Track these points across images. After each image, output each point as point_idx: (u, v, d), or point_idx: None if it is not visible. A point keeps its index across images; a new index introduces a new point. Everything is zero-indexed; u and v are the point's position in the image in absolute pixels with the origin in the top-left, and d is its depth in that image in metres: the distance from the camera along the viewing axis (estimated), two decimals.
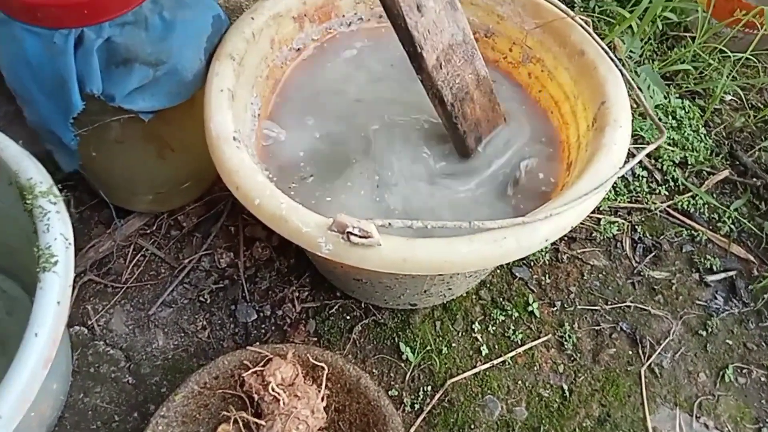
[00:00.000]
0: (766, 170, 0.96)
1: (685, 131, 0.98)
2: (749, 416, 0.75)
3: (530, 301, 0.80)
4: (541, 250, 0.85)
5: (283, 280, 0.80)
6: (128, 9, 0.55)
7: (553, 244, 0.85)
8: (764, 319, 0.82)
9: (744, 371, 0.78)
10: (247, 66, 0.65)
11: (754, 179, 0.95)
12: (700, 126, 0.99)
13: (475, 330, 0.78)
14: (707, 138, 0.98)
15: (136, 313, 0.77)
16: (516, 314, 0.80)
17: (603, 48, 0.66)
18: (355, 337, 0.77)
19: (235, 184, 0.55)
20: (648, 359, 0.78)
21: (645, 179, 0.94)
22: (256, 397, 0.64)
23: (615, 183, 0.88)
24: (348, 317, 0.78)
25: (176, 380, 0.72)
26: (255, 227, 0.83)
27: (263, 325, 0.77)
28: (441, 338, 0.77)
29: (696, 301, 0.83)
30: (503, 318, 0.79)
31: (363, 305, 0.79)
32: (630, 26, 0.99)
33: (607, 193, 0.77)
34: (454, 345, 0.77)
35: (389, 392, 0.73)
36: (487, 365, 0.75)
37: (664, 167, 0.95)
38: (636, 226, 0.89)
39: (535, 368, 0.76)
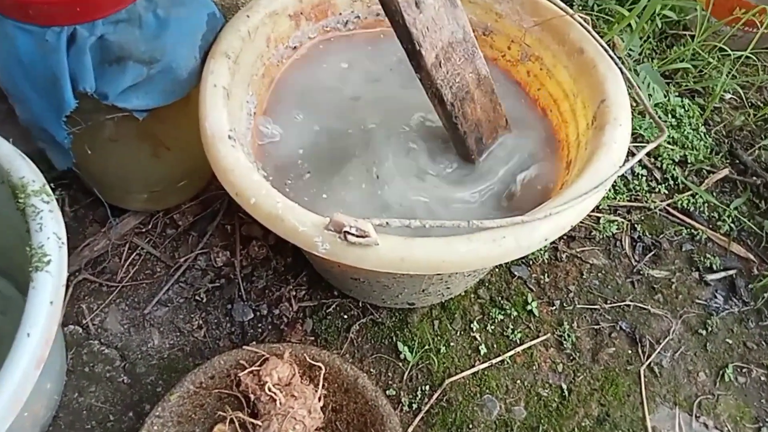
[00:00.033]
0: (766, 169, 0.95)
1: (684, 130, 0.97)
2: (749, 416, 0.75)
3: (529, 300, 0.80)
4: (540, 249, 0.84)
5: (279, 279, 0.80)
6: (122, 6, 0.54)
7: (552, 242, 0.84)
8: (764, 318, 0.82)
9: (744, 370, 0.78)
10: (243, 64, 0.64)
11: (754, 178, 0.94)
12: (700, 124, 0.99)
13: (474, 329, 0.77)
14: (707, 136, 0.98)
15: (131, 312, 0.76)
16: (515, 313, 0.79)
17: (602, 46, 0.65)
18: (352, 336, 0.76)
19: (230, 183, 0.54)
20: (647, 358, 0.77)
21: (644, 178, 0.93)
22: (252, 397, 0.64)
23: (614, 181, 0.87)
24: (345, 316, 0.78)
25: (172, 380, 0.71)
26: (251, 226, 0.83)
27: (260, 325, 0.76)
28: (439, 337, 0.77)
29: (696, 300, 0.83)
30: (502, 317, 0.79)
31: (360, 304, 0.78)
32: (629, 24, 0.98)
33: (606, 192, 0.76)
34: (452, 344, 0.76)
35: (387, 392, 0.72)
36: (486, 364, 0.75)
37: (664, 166, 0.94)
38: (635, 225, 0.89)
39: (534, 368, 0.76)
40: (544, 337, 0.78)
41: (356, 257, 0.50)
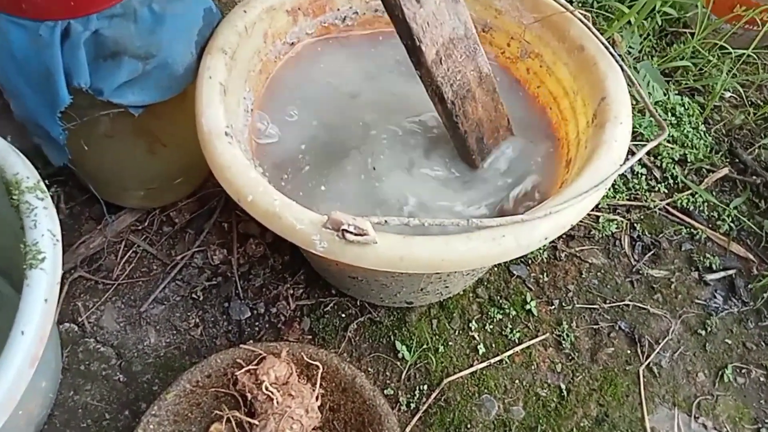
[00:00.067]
0: (766, 168, 0.95)
1: (684, 128, 0.97)
2: (748, 416, 0.74)
3: (528, 299, 0.80)
4: (539, 248, 0.84)
5: (277, 277, 0.79)
6: (116, 1, 0.53)
7: (551, 242, 0.84)
8: (764, 318, 0.82)
9: (743, 371, 0.77)
10: (240, 60, 0.64)
11: (754, 177, 0.94)
12: (700, 123, 0.98)
13: (472, 328, 0.77)
14: (707, 135, 0.98)
15: (127, 310, 0.76)
16: (513, 313, 0.79)
17: (603, 43, 0.65)
18: (350, 335, 0.76)
19: (227, 180, 0.54)
20: (646, 359, 0.77)
21: (644, 177, 0.93)
22: (249, 396, 0.63)
23: (614, 180, 0.87)
24: (343, 315, 0.77)
25: (168, 378, 0.71)
26: (249, 224, 0.82)
27: (257, 323, 0.76)
28: (437, 337, 0.76)
29: (695, 300, 0.83)
30: (501, 316, 0.78)
31: (358, 303, 0.78)
32: (629, 22, 0.98)
33: (606, 191, 0.76)
34: (450, 343, 0.76)
35: (385, 391, 0.72)
36: (484, 364, 0.74)
37: (664, 165, 0.94)
38: (635, 224, 0.89)
39: (533, 367, 0.75)
40: (543, 337, 0.77)
41: (354, 256, 0.49)
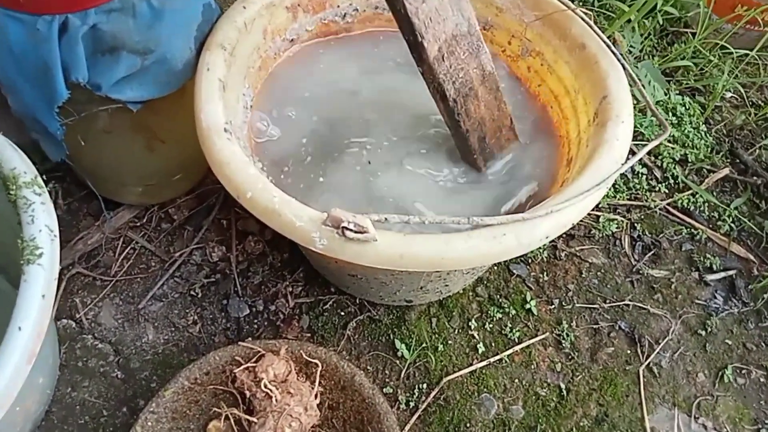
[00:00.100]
0: (767, 168, 0.95)
1: (685, 128, 0.97)
2: (748, 417, 0.74)
3: (528, 298, 0.79)
4: (539, 248, 0.84)
5: (276, 274, 0.79)
6: None
7: (551, 241, 0.83)
8: (764, 319, 0.82)
9: (743, 372, 0.77)
10: (239, 56, 0.63)
11: (755, 177, 0.94)
12: (701, 123, 0.98)
13: (472, 327, 0.77)
14: (707, 135, 0.97)
15: (125, 307, 0.75)
16: (513, 312, 0.78)
17: (605, 41, 0.64)
18: (349, 333, 0.75)
19: (226, 176, 0.53)
20: (646, 359, 0.77)
21: (645, 176, 0.93)
22: (248, 393, 0.63)
23: (614, 180, 0.87)
24: (342, 313, 0.77)
25: (166, 375, 0.71)
26: (248, 221, 0.82)
27: (255, 321, 0.75)
28: (437, 335, 0.76)
29: (695, 301, 0.82)
30: (500, 315, 0.78)
31: (358, 301, 0.78)
32: (629, 21, 0.98)
33: (606, 190, 0.76)
34: (450, 342, 0.76)
35: (384, 390, 0.72)
36: (484, 363, 0.74)
37: (664, 164, 0.94)
38: (635, 224, 0.88)
39: (533, 367, 0.75)
40: (543, 336, 0.77)
41: (354, 253, 0.49)
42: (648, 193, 0.91)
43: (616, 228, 0.87)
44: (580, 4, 1.07)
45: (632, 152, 0.86)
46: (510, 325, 0.77)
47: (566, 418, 0.72)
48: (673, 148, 0.95)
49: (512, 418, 0.71)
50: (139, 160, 0.73)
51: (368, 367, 0.73)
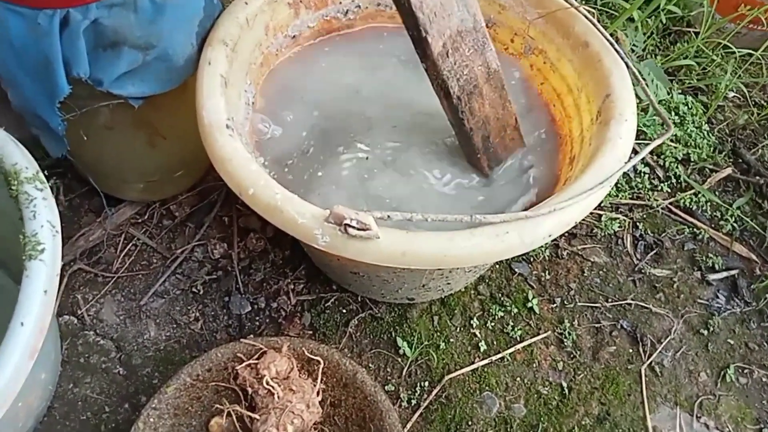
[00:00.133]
0: None
1: (688, 128, 0.97)
2: (750, 417, 0.74)
3: (530, 297, 0.79)
4: (542, 246, 0.84)
5: (277, 272, 0.79)
6: None
7: (553, 240, 0.83)
8: (766, 319, 0.81)
9: (745, 371, 0.77)
10: (241, 52, 0.63)
11: (757, 177, 0.94)
12: (703, 123, 0.98)
13: (474, 325, 0.77)
14: (710, 135, 0.97)
15: (127, 304, 0.75)
16: (515, 310, 0.78)
17: (608, 40, 0.64)
18: (351, 331, 0.75)
19: (228, 173, 0.53)
20: (648, 358, 0.77)
21: (647, 176, 0.93)
22: (250, 390, 0.63)
23: (617, 179, 0.87)
24: (344, 311, 0.77)
25: (168, 372, 0.71)
26: (249, 218, 0.82)
27: (257, 318, 0.75)
28: (439, 333, 0.76)
29: (697, 300, 0.82)
30: (502, 314, 0.78)
31: (359, 299, 0.77)
32: (632, 20, 0.97)
33: (609, 189, 0.75)
34: (452, 340, 0.75)
35: (386, 387, 0.72)
36: (486, 361, 0.74)
37: (667, 164, 0.94)
38: (637, 223, 0.88)
39: (534, 365, 0.75)
40: (545, 335, 0.77)
41: (356, 250, 0.49)
42: (650, 193, 0.91)
43: (619, 227, 0.87)
44: (583, 2, 1.06)
45: (634, 151, 0.86)
46: (512, 324, 0.77)
47: (568, 417, 0.72)
48: (675, 148, 0.95)
49: (514, 417, 0.71)
50: (141, 157, 0.73)
51: (370, 365, 0.73)
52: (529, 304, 0.79)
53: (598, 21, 0.66)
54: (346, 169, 0.63)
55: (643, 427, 0.72)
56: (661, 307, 0.81)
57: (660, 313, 0.80)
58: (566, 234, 0.85)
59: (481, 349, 0.75)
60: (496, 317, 0.78)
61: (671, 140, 0.95)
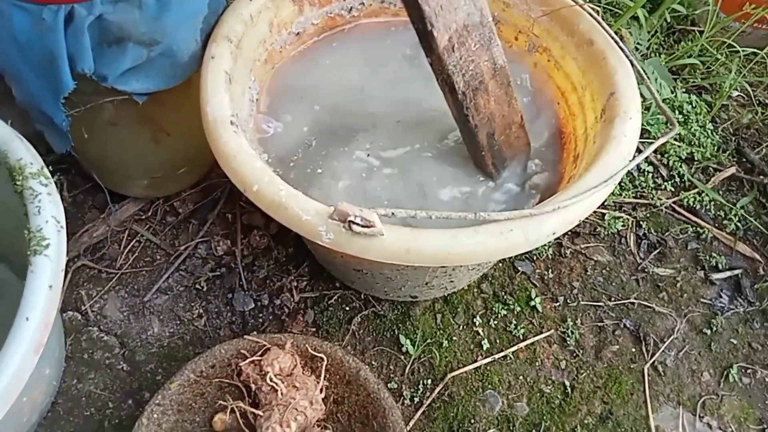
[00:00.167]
0: None
1: (691, 127, 0.96)
2: (753, 417, 0.74)
3: (533, 295, 0.79)
4: (545, 245, 0.84)
5: (281, 269, 0.79)
6: None
7: (556, 238, 0.83)
8: None
9: (749, 371, 0.77)
10: (245, 49, 0.63)
11: (761, 177, 0.93)
12: (707, 122, 0.98)
13: (477, 324, 0.77)
14: (714, 134, 0.97)
15: (130, 300, 0.76)
16: (518, 309, 0.78)
17: (613, 37, 0.64)
18: (354, 328, 0.75)
19: (232, 169, 0.53)
20: (651, 357, 0.76)
21: (650, 174, 0.92)
22: (253, 386, 0.63)
23: (621, 177, 0.86)
24: (347, 308, 0.77)
25: (171, 368, 0.71)
26: (253, 215, 0.82)
27: (260, 315, 0.76)
28: (442, 331, 0.76)
29: (701, 299, 0.82)
30: (505, 312, 0.78)
31: (362, 296, 0.78)
32: (636, 18, 0.97)
33: (613, 187, 0.75)
34: (454, 338, 0.75)
35: (388, 385, 0.72)
36: (488, 359, 0.74)
37: (670, 163, 0.93)
38: (641, 222, 0.88)
39: (537, 364, 0.75)
40: (548, 334, 0.77)
41: (360, 248, 0.49)
42: (654, 191, 0.91)
43: (622, 226, 0.87)
44: (587, 1, 1.06)
45: (638, 150, 0.86)
46: (515, 322, 0.77)
47: (570, 416, 0.72)
48: (679, 147, 0.95)
49: (516, 415, 0.71)
50: (145, 153, 0.73)
51: (373, 363, 0.73)
52: (532, 303, 0.79)
53: (603, 19, 0.66)
54: (348, 167, 0.63)
55: (645, 426, 0.72)
56: (664, 306, 0.81)
57: (663, 313, 0.80)
58: (569, 233, 0.85)
59: (484, 348, 0.75)
60: (499, 315, 0.78)
61: (675, 139, 0.95)
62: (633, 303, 0.81)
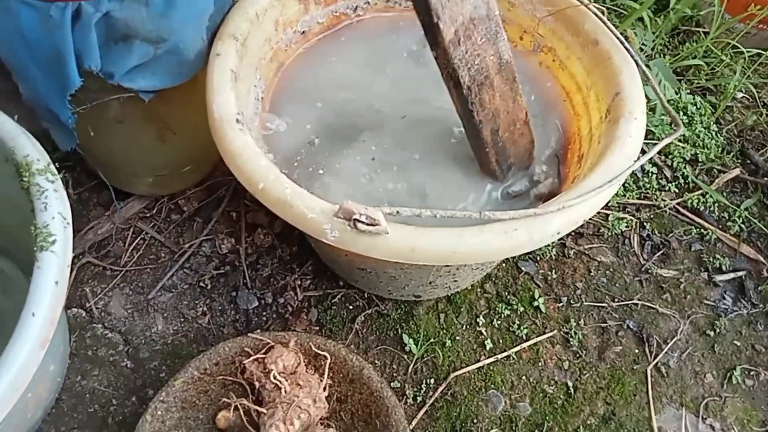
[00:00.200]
0: None
1: (696, 128, 0.96)
2: (756, 419, 0.74)
3: (536, 296, 0.79)
4: (548, 245, 0.84)
5: (285, 267, 0.79)
6: None
7: (559, 239, 0.83)
8: None
9: (752, 373, 0.77)
10: (251, 47, 0.63)
11: (765, 179, 0.93)
12: (712, 123, 0.97)
13: (480, 324, 0.77)
14: (718, 135, 0.97)
15: (135, 297, 0.76)
16: (521, 309, 0.78)
17: (618, 38, 0.64)
18: (357, 327, 0.75)
19: (238, 167, 0.53)
20: (654, 358, 0.76)
21: (655, 176, 0.92)
22: (257, 384, 0.63)
23: (625, 178, 0.86)
24: (351, 307, 0.77)
25: (175, 365, 0.71)
26: (257, 213, 0.82)
27: (264, 313, 0.76)
28: (445, 331, 0.76)
29: (704, 301, 0.82)
30: (508, 312, 0.78)
31: (366, 295, 0.78)
32: (641, 19, 0.97)
33: (618, 188, 0.75)
34: (458, 338, 0.75)
35: (391, 384, 0.72)
36: (491, 359, 0.74)
37: (675, 164, 0.93)
38: (644, 223, 0.88)
39: (540, 364, 0.75)
40: (551, 334, 0.77)
41: (365, 246, 0.49)
42: (658, 193, 0.91)
43: (626, 227, 0.87)
44: (592, 1, 1.06)
45: (642, 151, 0.86)
46: (518, 322, 0.77)
47: (573, 416, 0.72)
48: (683, 148, 0.95)
49: (519, 415, 0.71)
50: (150, 151, 0.73)
51: (376, 362, 0.73)
52: (536, 303, 0.79)
53: (608, 20, 0.66)
54: (351, 166, 0.63)
55: (648, 427, 0.72)
56: (667, 307, 0.81)
57: (666, 314, 0.80)
58: (573, 233, 0.85)
59: (487, 347, 0.75)
60: (503, 315, 0.78)
61: (679, 140, 0.95)
62: (636, 304, 0.81)
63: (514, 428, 0.70)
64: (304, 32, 0.72)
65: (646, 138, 0.92)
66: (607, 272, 0.83)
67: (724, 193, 0.92)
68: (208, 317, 0.75)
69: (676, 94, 0.97)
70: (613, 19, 1.04)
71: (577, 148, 0.67)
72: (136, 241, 0.80)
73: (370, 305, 0.77)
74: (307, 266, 0.79)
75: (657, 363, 0.76)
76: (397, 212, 0.49)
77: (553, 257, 0.83)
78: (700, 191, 0.91)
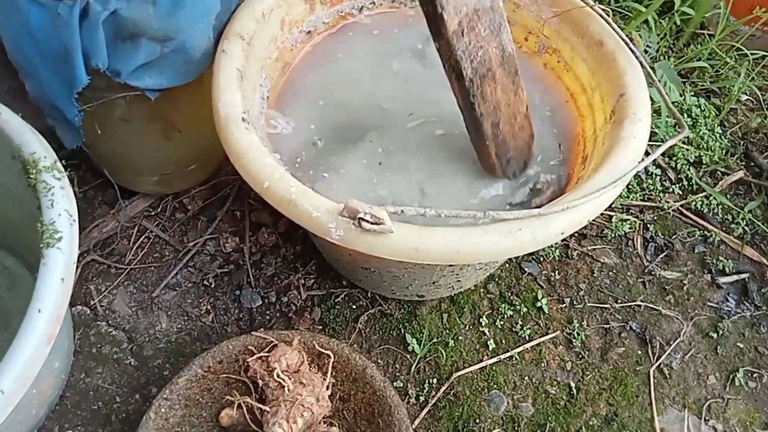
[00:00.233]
0: None
1: (700, 130, 0.96)
2: (759, 421, 0.74)
3: (539, 296, 0.79)
4: (551, 246, 0.84)
5: (288, 266, 0.79)
6: None
7: (563, 239, 0.83)
8: None
9: (755, 375, 0.77)
10: (257, 46, 0.64)
11: None
12: (716, 125, 0.97)
13: (483, 324, 0.77)
14: (722, 138, 0.97)
15: (139, 295, 0.76)
16: (524, 309, 0.78)
17: (623, 39, 0.64)
18: (360, 326, 0.76)
19: (243, 166, 0.53)
20: (657, 359, 0.76)
21: (658, 177, 0.92)
22: (260, 383, 0.63)
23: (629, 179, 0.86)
24: (354, 306, 0.77)
25: (179, 363, 0.71)
26: (261, 212, 0.82)
27: (268, 312, 0.76)
28: (448, 331, 0.76)
29: (707, 303, 0.82)
30: (511, 313, 0.78)
31: (369, 295, 0.78)
32: (646, 21, 0.97)
33: (622, 188, 0.75)
34: (460, 338, 0.76)
35: (394, 383, 0.72)
36: (494, 360, 0.74)
37: (678, 166, 0.93)
38: (648, 225, 0.88)
39: (543, 365, 0.75)
40: (554, 335, 0.77)
41: (369, 245, 0.49)
42: (661, 194, 0.91)
43: (629, 228, 0.87)
44: (597, 1, 1.06)
45: (646, 153, 0.86)
46: (521, 323, 0.77)
47: (576, 417, 0.72)
48: (687, 150, 0.95)
49: (521, 416, 0.71)
50: (156, 149, 0.73)
51: (379, 361, 0.74)
52: (539, 304, 0.79)
53: (613, 21, 0.66)
54: (356, 165, 0.63)
55: (650, 429, 0.72)
56: (670, 309, 0.81)
57: (669, 316, 0.80)
58: (576, 234, 0.85)
59: (490, 348, 0.75)
60: (505, 316, 0.78)
61: (683, 142, 0.95)
62: (639, 305, 0.81)
63: (516, 428, 0.70)
64: (309, 32, 0.72)
65: (650, 139, 0.92)
66: (611, 273, 0.83)
67: (728, 196, 0.92)
68: (212, 315, 0.75)
69: (681, 96, 0.97)
70: (618, 21, 1.04)
71: (582, 149, 0.67)
72: (141, 239, 0.80)
73: (373, 305, 0.77)
74: (311, 265, 0.79)
75: (660, 364, 0.76)
76: (402, 211, 0.49)
77: (557, 258, 0.83)
78: (703, 193, 0.91)
